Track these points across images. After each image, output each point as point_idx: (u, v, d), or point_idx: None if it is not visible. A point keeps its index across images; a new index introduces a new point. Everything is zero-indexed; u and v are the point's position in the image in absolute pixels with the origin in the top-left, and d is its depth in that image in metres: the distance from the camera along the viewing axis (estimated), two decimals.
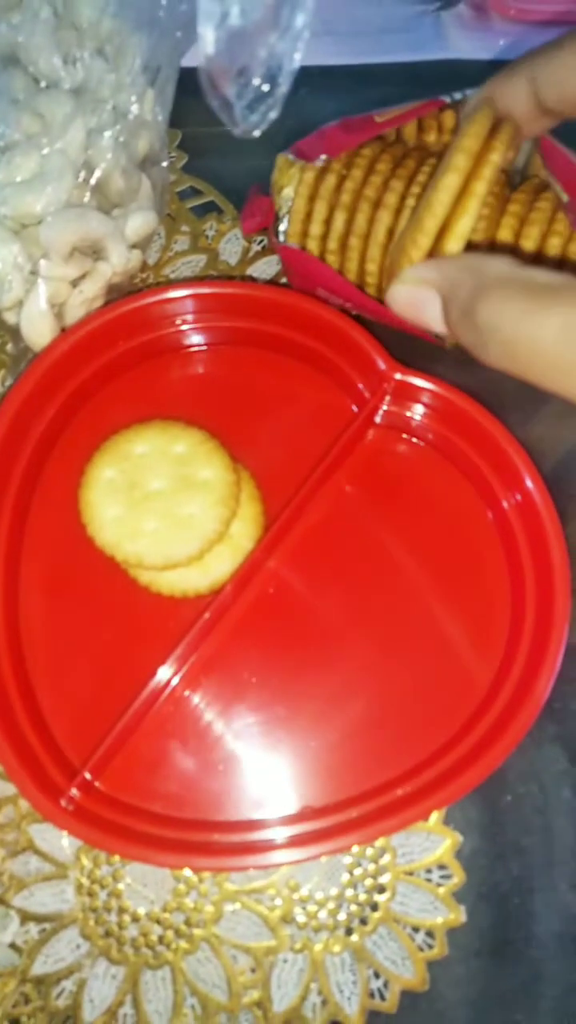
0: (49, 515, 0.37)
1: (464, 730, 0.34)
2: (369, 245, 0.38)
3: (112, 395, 0.39)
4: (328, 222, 0.39)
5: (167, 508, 0.35)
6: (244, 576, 0.35)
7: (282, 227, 0.40)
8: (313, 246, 0.39)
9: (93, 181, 0.36)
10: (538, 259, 0.37)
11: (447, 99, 0.39)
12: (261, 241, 0.45)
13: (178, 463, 0.36)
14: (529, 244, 0.37)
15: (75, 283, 0.38)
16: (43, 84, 0.36)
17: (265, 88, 0.23)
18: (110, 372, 0.38)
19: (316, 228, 0.39)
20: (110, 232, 0.38)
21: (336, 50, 0.50)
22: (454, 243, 0.28)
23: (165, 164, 0.41)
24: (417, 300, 0.26)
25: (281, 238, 0.40)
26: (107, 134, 0.35)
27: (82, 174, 0.36)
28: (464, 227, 0.28)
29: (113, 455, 0.36)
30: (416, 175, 0.38)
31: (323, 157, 0.38)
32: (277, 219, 0.40)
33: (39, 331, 0.37)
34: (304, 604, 0.36)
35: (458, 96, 0.39)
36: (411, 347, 0.38)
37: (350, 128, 0.39)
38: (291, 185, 0.39)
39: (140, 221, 0.39)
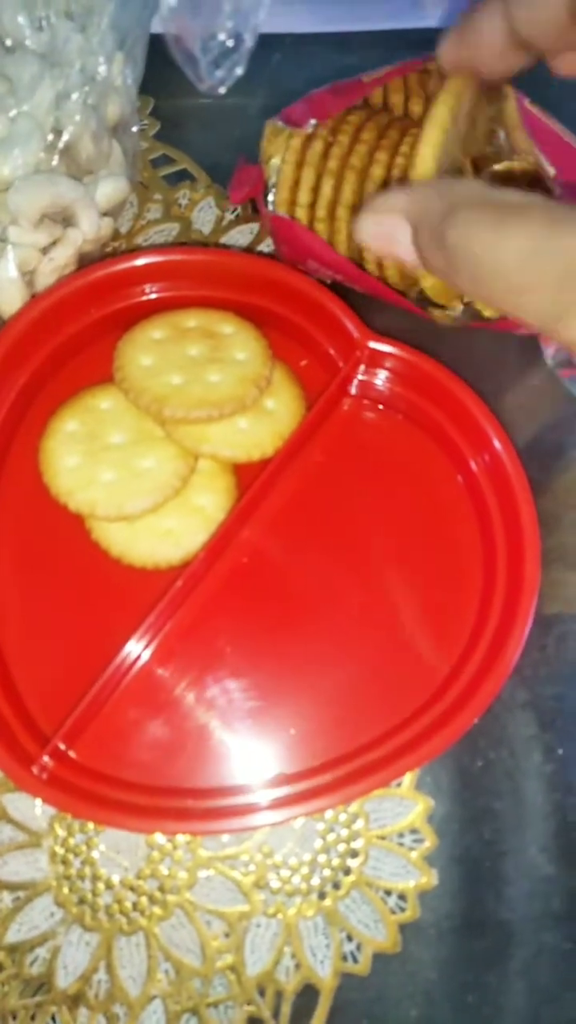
0: (20, 486, 0.37)
1: (435, 696, 0.34)
2: None
3: (83, 363, 0.38)
4: (316, 189, 0.38)
5: (125, 460, 0.35)
6: (217, 545, 0.35)
7: (270, 197, 0.39)
8: (301, 214, 0.39)
9: (61, 145, 0.36)
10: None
11: (429, 54, 0.39)
12: (235, 210, 0.45)
13: (140, 417, 0.36)
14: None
15: (45, 250, 0.38)
16: (8, 43, 0.35)
17: (230, 44, 0.22)
18: (81, 340, 0.38)
19: (304, 196, 0.39)
20: (80, 198, 0.37)
21: (310, 17, 0.49)
22: (420, 166, 0.30)
23: (136, 129, 0.40)
24: (387, 228, 0.25)
25: (270, 208, 0.39)
26: (75, 96, 0.35)
27: (50, 137, 0.35)
28: (424, 152, 0.30)
29: (77, 407, 0.36)
30: (399, 145, 0.38)
31: (312, 122, 0.38)
32: (267, 189, 0.39)
33: (8, 298, 0.37)
34: (278, 573, 0.36)
35: None
36: (389, 317, 0.38)
37: (339, 92, 0.39)
38: (279, 154, 0.39)
39: (111, 187, 0.39)
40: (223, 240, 0.44)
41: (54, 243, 0.38)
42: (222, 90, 0.27)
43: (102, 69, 0.36)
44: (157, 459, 0.35)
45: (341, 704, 0.35)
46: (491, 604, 0.35)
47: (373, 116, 0.39)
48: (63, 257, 0.38)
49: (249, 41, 0.24)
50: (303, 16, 0.49)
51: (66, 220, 0.38)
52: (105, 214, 0.40)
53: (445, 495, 0.37)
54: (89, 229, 0.38)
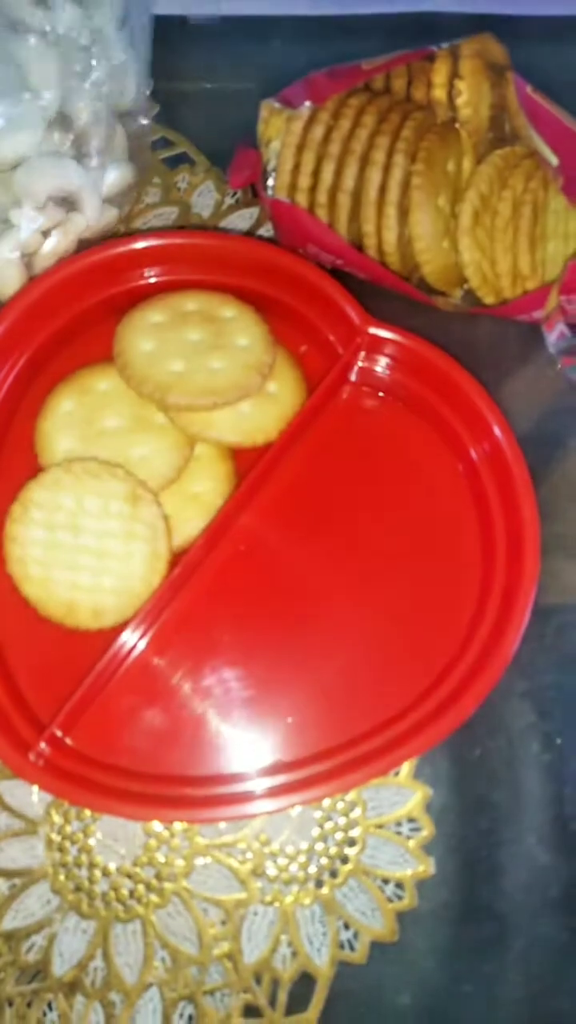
0: (17, 470, 0.36)
1: (434, 684, 0.34)
2: (362, 205, 0.38)
3: (82, 346, 0.38)
4: (316, 174, 0.38)
5: (119, 447, 0.35)
6: (215, 532, 0.35)
7: (270, 181, 0.39)
8: (302, 199, 0.38)
9: (69, 128, 0.35)
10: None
11: (435, 48, 0.39)
12: (235, 194, 0.44)
13: (137, 403, 0.35)
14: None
15: (46, 234, 0.37)
16: (16, 26, 0.35)
17: None
18: (80, 323, 0.38)
19: (304, 180, 0.38)
20: (86, 184, 0.37)
21: (311, 1, 0.49)
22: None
23: (146, 122, 0.40)
24: None
25: (269, 192, 0.39)
26: (81, 80, 0.34)
27: (56, 121, 0.35)
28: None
29: (74, 388, 0.36)
30: (401, 130, 0.37)
31: (307, 104, 0.38)
32: (265, 173, 0.39)
33: (7, 280, 0.37)
34: (277, 561, 0.36)
35: (445, 46, 0.39)
36: (389, 303, 0.38)
37: (337, 75, 0.38)
38: (278, 137, 0.38)
39: (117, 175, 0.38)
40: (222, 224, 0.44)
41: (56, 227, 0.37)
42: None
43: (110, 53, 0.35)
44: (151, 448, 0.35)
45: (339, 692, 0.35)
46: (490, 593, 0.34)
47: (374, 100, 0.38)
48: (64, 242, 0.37)
49: None
50: None
51: (69, 205, 0.37)
52: (109, 202, 0.39)
53: (444, 484, 0.37)
54: (92, 216, 0.38)
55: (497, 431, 0.34)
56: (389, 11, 0.49)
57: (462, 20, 0.48)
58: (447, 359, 0.35)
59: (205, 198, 0.44)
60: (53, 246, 0.37)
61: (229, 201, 0.44)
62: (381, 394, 0.38)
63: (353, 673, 0.35)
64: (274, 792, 0.32)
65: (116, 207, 0.40)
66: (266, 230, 0.43)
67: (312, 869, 0.35)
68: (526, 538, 0.33)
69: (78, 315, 0.37)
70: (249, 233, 0.43)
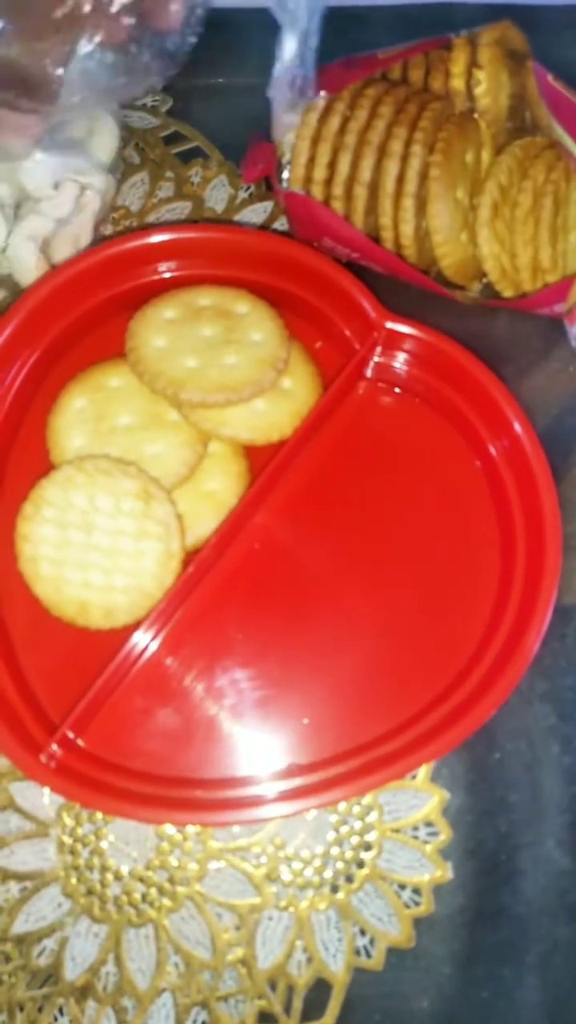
0: (29, 468, 0.36)
1: (452, 686, 0.33)
2: (380, 197, 0.37)
3: (96, 342, 0.37)
4: (332, 166, 0.37)
5: (132, 444, 0.34)
6: (228, 530, 0.34)
7: (285, 174, 0.38)
8: (317, 191, 0.38)
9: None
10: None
11: (452, 36, 0.38)
12: (248, 188, 0.44)
13: (150, 399, 0.35)
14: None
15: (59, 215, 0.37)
16: None
17: None
18: (94, 318, 0.37)
19: (320, 172, 0.38)
20: (83, 156, 0.36)
21: None
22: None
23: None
24: None
25: (284, 185, 0.38)
26: None
27: None
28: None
29: (86, 385, 0.35)
30: (419, 121, 0.37)
31: (323, 94, 0.37)
32: (280, 166, 0.38)
33: (26, 266, 0.36)
34: (291, 559, 0.36)
35: (463, 33, 0.38)
36: (405, 298, 0.37)
37: (353, 65, 0.38)
38: (293, 130, 0.38)
39: (106, 134, 0.38)
40: (236, 219, 0.43)
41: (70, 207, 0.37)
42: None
43: None
44: (164, 445, 0.34)
45: (355, 693, 0.34)
46: (510, 593, 0.34)
47: (391, 90, 0.38)
48: (92, 210, 0.37)
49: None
50: None
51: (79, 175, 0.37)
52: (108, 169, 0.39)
53: (463, 481, 0.36)
54: (99, 183, 0.37)
55: (517, 427, 0.34)
56: (403, 2, 0.48)
57: (480, 9, 0.48)
58: (466, 354, 0.35)
59: (219, 192, 0.43)
60: (70, 225, 0.37)
61: (243, 195, 0.43)
62: (398, 390, 0.38)
63: (370, 674, 0.34)
64: (289, 795, 0.32)
65: (111, 173, 0.40)
66: (280, 224, 0.43)
67: (328, 874, 0.34)
68: (547, 536, 0.33)
69: (90, 310, 0.37)
70: (263, 227, 0.43)
